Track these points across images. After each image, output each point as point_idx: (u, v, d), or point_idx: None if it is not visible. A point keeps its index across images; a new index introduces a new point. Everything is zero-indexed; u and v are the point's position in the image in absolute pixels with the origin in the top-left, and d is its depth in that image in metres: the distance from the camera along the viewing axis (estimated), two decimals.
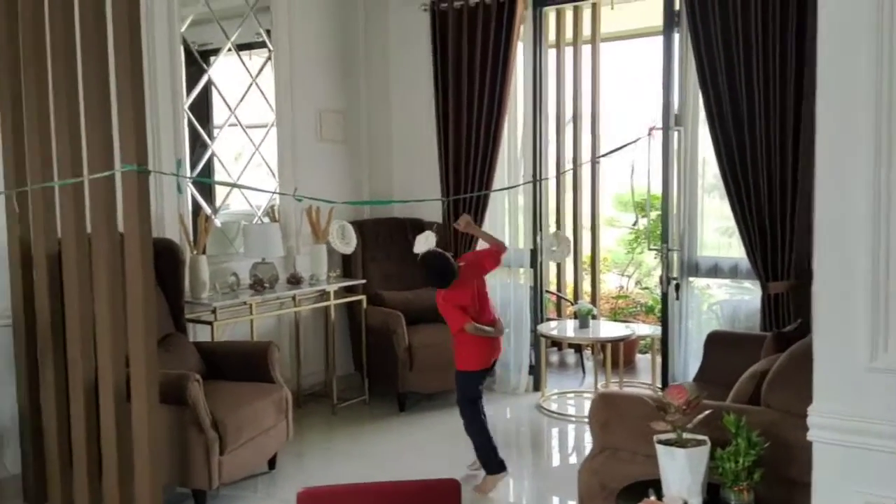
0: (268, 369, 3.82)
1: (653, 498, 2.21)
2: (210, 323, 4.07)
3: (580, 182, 6.41)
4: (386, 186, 5.72)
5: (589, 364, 5.95)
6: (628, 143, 3.66)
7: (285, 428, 3.79)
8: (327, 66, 5.29)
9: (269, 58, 4.90)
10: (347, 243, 4.52)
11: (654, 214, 6.58)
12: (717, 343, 3.72)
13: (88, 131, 3.08)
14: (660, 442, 2.22)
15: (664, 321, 4.58)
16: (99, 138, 3.05)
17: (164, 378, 3.14)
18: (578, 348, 6.20)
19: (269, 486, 3.76)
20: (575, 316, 5.10)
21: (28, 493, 3.49)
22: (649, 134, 3.79)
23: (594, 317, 5.09)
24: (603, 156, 3.70)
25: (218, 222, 4.64)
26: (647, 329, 5.59)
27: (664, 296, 4.52)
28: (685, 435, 2.21)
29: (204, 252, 4.26)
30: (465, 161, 5.20)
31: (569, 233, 6.30)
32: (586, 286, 6.73)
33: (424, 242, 3.75)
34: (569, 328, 5.11)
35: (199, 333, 4.22)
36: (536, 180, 5.13)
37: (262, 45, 4.88)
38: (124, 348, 3.10)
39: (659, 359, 4.88)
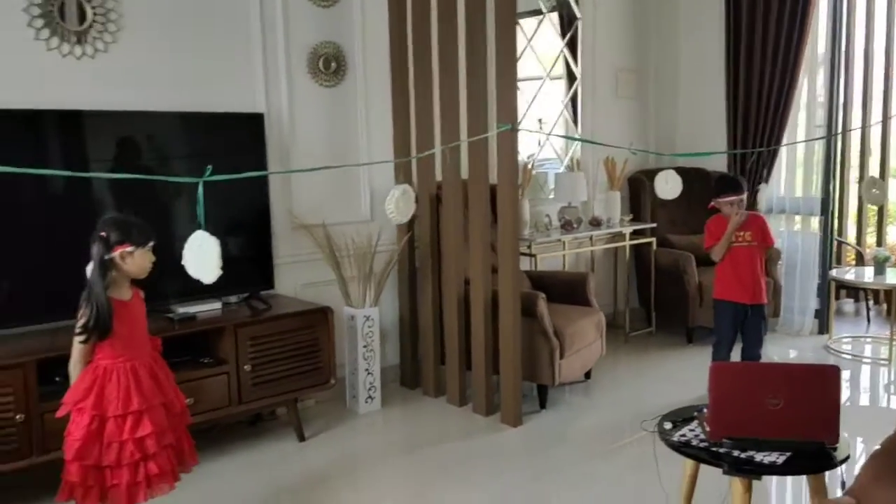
0: (585, 295, 4.52)
1: None
2: (534, 255, 4.84)
3: (868, 131, 6.28)
4: (669, 139, 6.10)
5: (872, 314, 5.97)
6: None
7: (600, 345, 4.48)
8: (623, 28, 5.75)
9: (575, 25, 5.48)
10: (673, 188, 3.82)
11: None
12: None
13: (469, 103, 3.87)
14: None
15: None
16: (476, 108, 3.84)
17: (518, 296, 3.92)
18: (857, 297, 6.22)
19: (588, 390, 4.48)
20: (858, 262, 5.16)
21: (405, 378, 4.53)
22: None
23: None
24: None
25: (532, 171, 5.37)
26: None
27: None
28: None
29: (524, 196, 5.02)
30: (757, 112, 5.42)
31: (854, 182, 6.25)
32: (870, 239, 6.62)
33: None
34: (864, 274, 5.21)
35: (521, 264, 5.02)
36: (824, 137, 5.21)
37: (554, 9, 5.45)
38: (490, 270, 3.94)
39: None
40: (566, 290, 4.57)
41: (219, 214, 3.41)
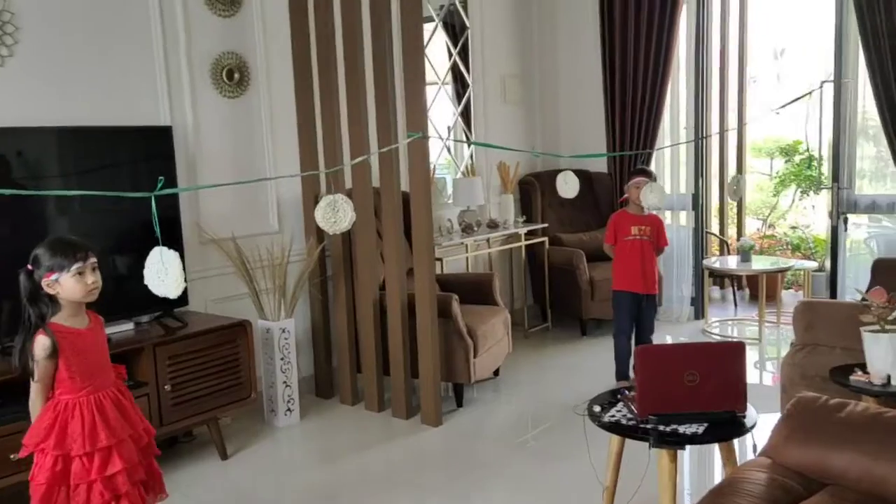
0: (492, 294, 4.71)
1: (860, 373, 2.93)
2: (439, 259, 4.97)
3: (725, 133, 6.92)
4: (554, 142, 6.45)
5: (738, 298, 6.59)
6: (802, 96, 4.26)
7: (507, 342, 4.68)
8: (507, 36, 6.02)
9: (466, 33, 5.69)
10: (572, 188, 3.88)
11: (797, 159, 7.08)
12: (883, 269, 4.30)
13: (378, 118, 3.94)
14: (866, 331, 2.92)
15: (833, 254, 5.15)
16: (385, 117, 3.93)
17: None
18: (722, 284, 6.85)
19: (498, 387, 4.66)
20: (723, 251, 5.72)
21: (320, 388, 4.52)
22: (820, 87, 4.37)
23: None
24: (781, 108, 4.25)
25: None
26: (800, 263, 6.19)
27: (834, 229, 5.10)
28: (887, 326, 2.90)
29: None
30: (632, 115, 5.85)
31: (715, 180, 6.87)
32: (730, 231, 7.30)
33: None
34: (730, 262, 5.76)
35: None
36: (698, 139, 5.74)
37: (444, 17, 5.65)
38: (404, 275, 4.03)
39: (808, 291, 5.48)
40: (473, 290, 4.74)
41: (131, 232, 3.30)
